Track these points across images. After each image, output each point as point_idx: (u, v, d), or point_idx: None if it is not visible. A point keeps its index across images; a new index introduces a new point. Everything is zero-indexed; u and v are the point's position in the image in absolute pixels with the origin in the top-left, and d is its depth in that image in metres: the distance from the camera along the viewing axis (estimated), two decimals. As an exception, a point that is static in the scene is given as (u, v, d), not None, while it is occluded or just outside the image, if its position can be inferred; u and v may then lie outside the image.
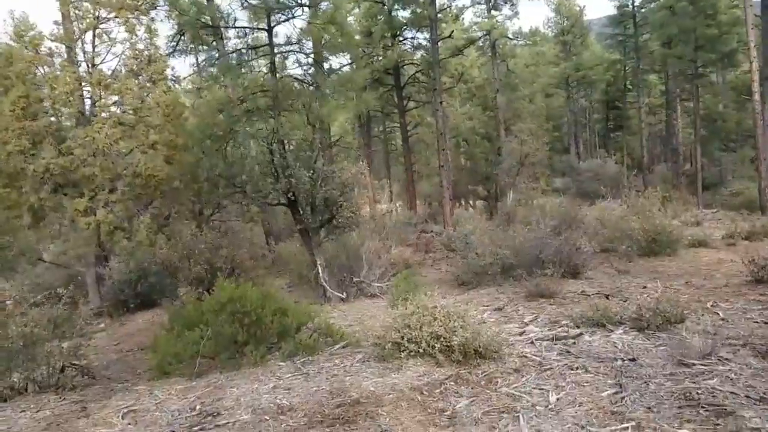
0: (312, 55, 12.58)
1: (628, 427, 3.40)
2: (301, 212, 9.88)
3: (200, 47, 18.33)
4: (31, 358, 6.06)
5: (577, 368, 4.62)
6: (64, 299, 7.30)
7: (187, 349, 6.38)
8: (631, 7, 35.16)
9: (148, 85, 19.76)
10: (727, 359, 4.27)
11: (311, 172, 9.11)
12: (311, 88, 12.62)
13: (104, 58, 14.80)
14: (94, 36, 14.49)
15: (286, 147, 9.47)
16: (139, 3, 14.91)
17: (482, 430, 3.66)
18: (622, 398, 3.86)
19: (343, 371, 5.38)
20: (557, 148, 43.61)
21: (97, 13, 14.44)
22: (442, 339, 5.23)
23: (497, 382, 4.57)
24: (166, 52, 17.44)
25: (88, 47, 14.52)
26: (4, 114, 12.79)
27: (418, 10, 24.12)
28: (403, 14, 27.03)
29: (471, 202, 36.37)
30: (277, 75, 11.75)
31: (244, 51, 12.86)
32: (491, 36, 29.75)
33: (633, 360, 4.62)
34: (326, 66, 16.75)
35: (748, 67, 29.59)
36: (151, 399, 5.26)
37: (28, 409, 5.19)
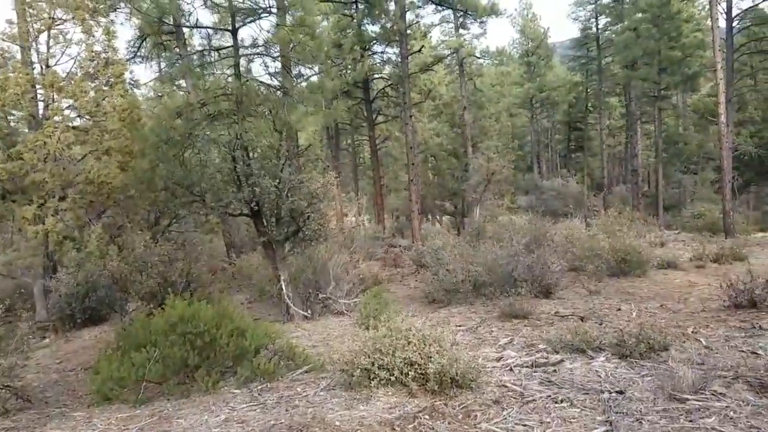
0: (279, 59, 12.10)
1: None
2: (265, 224, 9.36)
3: (163, 54, 17.68)
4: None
5: (561, 401, 4.26)
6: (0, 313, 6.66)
7: (132, 373, 5.77)
8: (594, 29, 36.06)
9: (104, 88, 18.89)
10: (721, 394, 3.99)
11: (277, 181, 8.61)
12: (278, 93, 12.13)
13: (59, 60, 14.11)
14: (49, 37, 13.83)
15: (251, 154, 8.92)
16: (98, 4, 14.28)
17: (464, 475, 3.24)
18: (615, 437, 3.52)
19: (305, 401, 4.89)
20: (521, 167, 44.33)
21: (53, 13, 13.77)
22: (416, 366, 4.81)
23: (476, 416, 4.16)
24: (127, 57, 16.71)
25: (43, 48, 13.83)
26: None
27: (388, 25, 24.07)
28: (373, 29, 27.04)
29: (438, 217, 36.37)
30: (242, 78, 11.23)
31: (206, 53, 12.30)
32: (459, 54, 30.06)
33: (621, 393, 4.30)
34: (294, 72, 16.33)
35: (708, 90, 30.72)
36: (88, 429, 4.67)
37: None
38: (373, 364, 4.96)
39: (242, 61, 11.57)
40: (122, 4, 14.61)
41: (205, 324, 6.15)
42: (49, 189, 12.61)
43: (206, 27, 12.59)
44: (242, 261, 14.38)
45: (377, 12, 24.22)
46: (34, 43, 13.64)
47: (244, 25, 11.68)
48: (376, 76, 29.16)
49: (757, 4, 23.49)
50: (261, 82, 11.83)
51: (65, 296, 11.86)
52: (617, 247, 10.95)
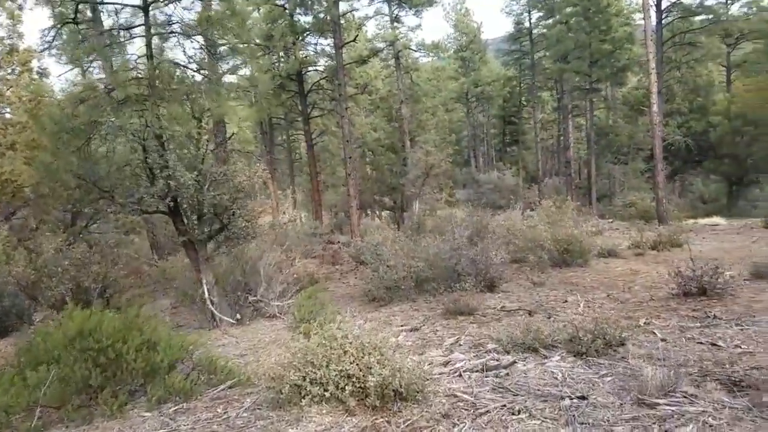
0: (199, 40, 11.10)
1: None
2: (186, 221, 8.42)
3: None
4: None
5: (519, 411, 3.75)
6: None
7: (24, 397, 4.83)
8: (527, 23, 36.64)
9: (8, 77, 17.05)
10: (693, 395, 3.59)
11: (196, 173, 7.70)
12: (197, 76, 11.13)
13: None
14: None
15: (166, 145, 7.95)
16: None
17: None
18: (583, 454, 3.02)
19: (225, 426, 4.16)
20: (458, 161, 44.69)
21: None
22: (354, 379, 4.17)
23: (424, 435, 3.58)
24: (40, 48, 15.03)
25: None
26: None
27: (321, 15, 23.32)
28: (306, 19, 26.21)
29: (378, 212, 35.95)
30: (155, 60, 10.14)
31: (115, 32, 11.05)
32: (395, 47, 29.68)
33: (583, 398, 3.83)
34: (222, 64, 15.26)
35: (636, 83, 31.83)
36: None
37: None
38: (304, 379, 4.29)
39: (156, 41, 10.46)
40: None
41: (109, 337, 5.28)
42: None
43: (113, 2, 11.33)
44: (166, 263, 13.25)
45: (310, 1, 23.42)
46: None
47: (156, 1, 10.55)
48: (310, 68, 28.35)
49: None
50: (176, 63, 10.76)
51: (-33, 306, 10.50)
52: (559, 237, 10.75)
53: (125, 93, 9.36)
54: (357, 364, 4.24)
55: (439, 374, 4.80)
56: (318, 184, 27.71)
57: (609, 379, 4.23)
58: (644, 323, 5.88)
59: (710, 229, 16.30)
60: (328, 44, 26.22)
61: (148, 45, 10.06)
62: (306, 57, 27.24)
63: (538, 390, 4.13)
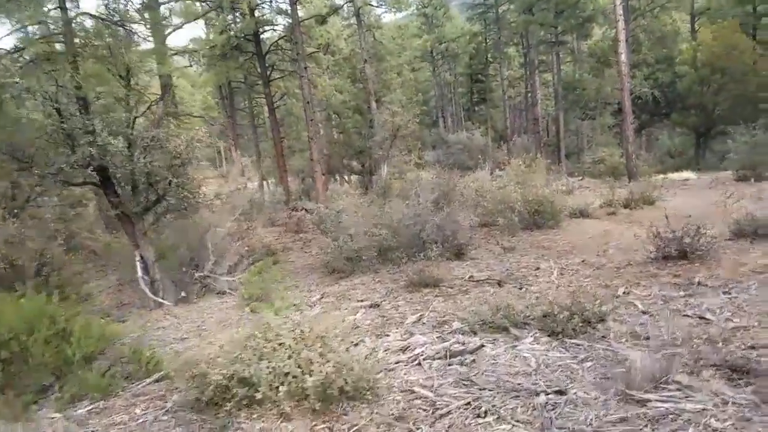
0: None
1: None
2: (119, 193, 7.55)
3: None
4: None
5: (486, 413, 3.14)
6: None
7: None
8: (491, -24, 35.53)
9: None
10: (689, 387, 3.02)
11: (124, 139, 6.77)
12: (120, 29, 9.83)
13: None
14: None
15: (90, 108, 6.97)
16: None
17: None
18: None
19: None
20: (426, 122, 43.92)
21: None
22: (291, 378, 3.50)
23: (372, 447, 2.95)
24: None
25: None
26: None
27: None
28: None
29: (347, 177, 35.14)
30: (72, 13, 8.94)
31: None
32: (355, 3, 28.35)
33: (561, 393, 3.24)
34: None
35: (602, 35, 31.17)
36: None
37: None
38: (231, 378, 3.60)
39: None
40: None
41: (11, 329, 4.55)
42: None
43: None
44: (111, 237, 12.28)
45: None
46: None
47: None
48: (267, 28, 26.86)
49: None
50: (94, 16, 9.49)
51: None
52: (529, 198, 10.17)
53: (35, 51, 8.21)
54: (295, 360, 3.58)
55: (396, 363, 4.17)
56: (281, 149, 26.60)
57: (589, 365, 3.65)
58: (624, 293, 5.34)
59: (681, 184, 16.02)
60: (284, 1, 24.75)
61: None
62: (263, 16, 25.76)
63: (509, 382, 3.53)
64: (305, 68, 19.25)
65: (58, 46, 9.42)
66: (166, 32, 16.67)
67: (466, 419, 3.11)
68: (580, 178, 21.72)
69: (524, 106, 42.68)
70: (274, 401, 3.48)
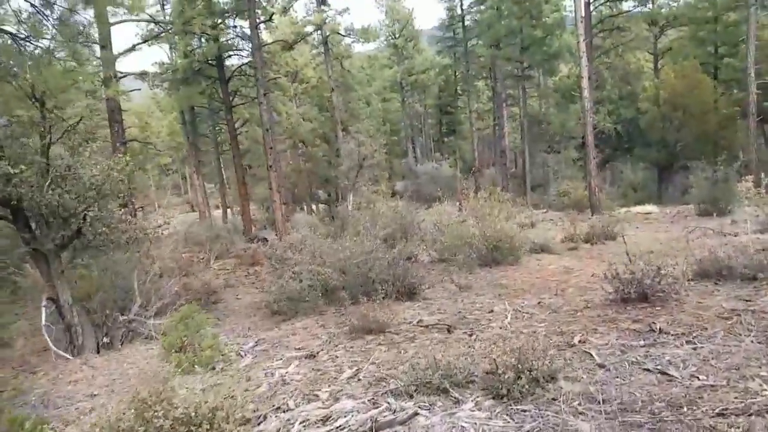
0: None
1: None
2: (33, 227, 6.79)
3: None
4: None
5: None
6: None
7: None
8: (459, 10, 36.01)
9: None
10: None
11: (33, 167, 6.05)
12: (32, 46, 9.00)
13: None
14: None
15: None
16: None
17: None
18: None
19: None
20: (396, 152, 43.86)
21: None
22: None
23: None
24: None
25: None
26: None
27: (239, -7, 21.49)
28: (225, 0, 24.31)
29: (313, 205, 34.54)
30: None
31: None
32: (323, 31, 28.26)
33: (498, 485, 2.65)
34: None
35: (568, 71, 31.73)
36: None
37: None
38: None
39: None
40: None
41: None
42: None
43: None
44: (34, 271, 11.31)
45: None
46: None
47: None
48: (231, 53, 26.42)
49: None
50: (5, 32, 8.69)
51: None
52: (488, 233, 9.72)
53: None
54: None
55: (313, 438, 3.53)
56: (243, 177, 25.85)
57: (536, 440, 3.09)
58: (579, 341, 4.82)
59: (643, 218, 15.87)
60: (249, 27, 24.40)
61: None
62: (227, 41, 25.33)
63: (439, 467, 2.93)
64: (264, 94, 18.77)
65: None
66: (117, 53, 15.99)
67: None
68: (545, 210, 21.55)
69: (492, 138, 42.99)
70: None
